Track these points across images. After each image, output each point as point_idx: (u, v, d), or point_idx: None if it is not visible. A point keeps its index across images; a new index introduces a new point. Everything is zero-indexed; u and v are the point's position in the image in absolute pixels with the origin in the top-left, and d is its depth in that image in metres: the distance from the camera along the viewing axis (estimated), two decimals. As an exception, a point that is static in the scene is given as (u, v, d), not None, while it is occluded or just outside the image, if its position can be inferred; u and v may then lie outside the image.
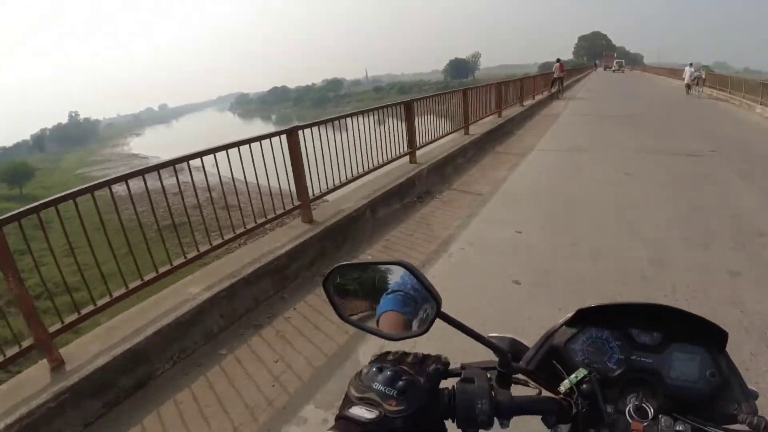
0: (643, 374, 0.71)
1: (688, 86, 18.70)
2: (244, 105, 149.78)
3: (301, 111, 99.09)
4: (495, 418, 0.62)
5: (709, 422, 0.65)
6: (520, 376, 0.71)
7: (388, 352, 0.64)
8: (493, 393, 0.62)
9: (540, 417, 0.69)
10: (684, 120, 10.98)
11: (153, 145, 57.21)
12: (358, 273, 0.70)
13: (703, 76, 18.83)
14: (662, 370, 0.71)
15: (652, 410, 0.65)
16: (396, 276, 0.65)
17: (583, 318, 0.76)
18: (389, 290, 0.67)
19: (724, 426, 0.65)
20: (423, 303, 0.64)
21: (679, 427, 0.64)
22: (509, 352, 0.75)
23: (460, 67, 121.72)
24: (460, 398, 0.60)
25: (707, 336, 0.71)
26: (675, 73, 31.96)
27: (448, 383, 0.64)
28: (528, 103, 13.63)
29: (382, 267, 0.67)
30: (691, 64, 19.38)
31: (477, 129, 8.25)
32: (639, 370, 0.72)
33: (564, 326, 0.77)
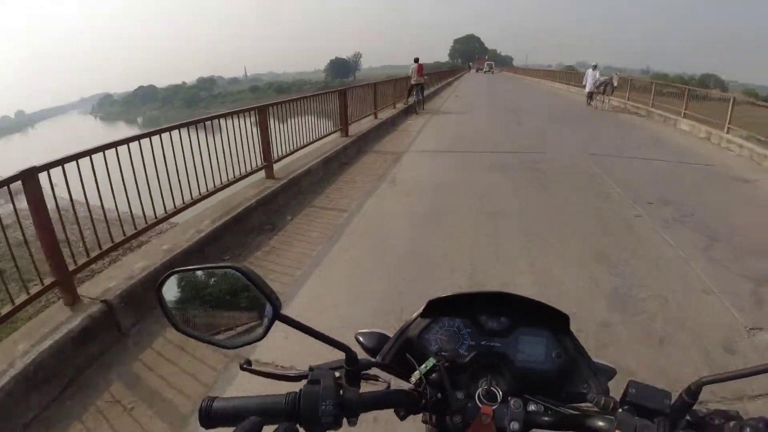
0: (493, 359, 0.75)
1: (590, 95, 15.17)
2: (107, 107, 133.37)
3: (170, 112, 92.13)
4: (345, 418, 0.63)
5: (559, 402, 0.70)
6: (372, 372, 0.71)
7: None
8: (341, 392, 0.63)
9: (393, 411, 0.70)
10: (603, 161, 6.99)
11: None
12: (192, 279, 0.67)
13: (615, 83, 14.73)
14: (510, 354, 0.76)
15: (500, 393, 0.69)
16: (233, 280, 0.63)
17: (436, 309, 0.79)
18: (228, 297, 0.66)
19: (572, 405, 0.70)
20: (263, 307, 0.62)
21: (531, 407, 0.68)
22: (374, 348, 0.79)
23: (341, 67, 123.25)
24: (303, 401, 0.60)
25: (551, 319, 0.77)
26: (550, 74, 34.20)
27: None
28: (385, 115, 10.65)
29: (218, 272, 0.65)
30: (594, 66, 15.21)
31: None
32: (489, 354, 0.75)
33: (419, 318, 0.80)
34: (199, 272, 0.66)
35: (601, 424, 0.61)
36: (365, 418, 0.66)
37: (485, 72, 69.82)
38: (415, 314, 0.81)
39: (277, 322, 0.61)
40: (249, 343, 0.62)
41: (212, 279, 0.66)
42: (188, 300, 0.66)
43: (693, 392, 0.59)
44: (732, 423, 0.55)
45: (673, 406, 0.59)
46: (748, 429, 0.53)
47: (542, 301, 0.76)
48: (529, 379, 0.74)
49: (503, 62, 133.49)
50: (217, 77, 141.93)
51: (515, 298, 0.77)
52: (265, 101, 5.43)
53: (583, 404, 0.70)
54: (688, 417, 0.60)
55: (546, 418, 0.67)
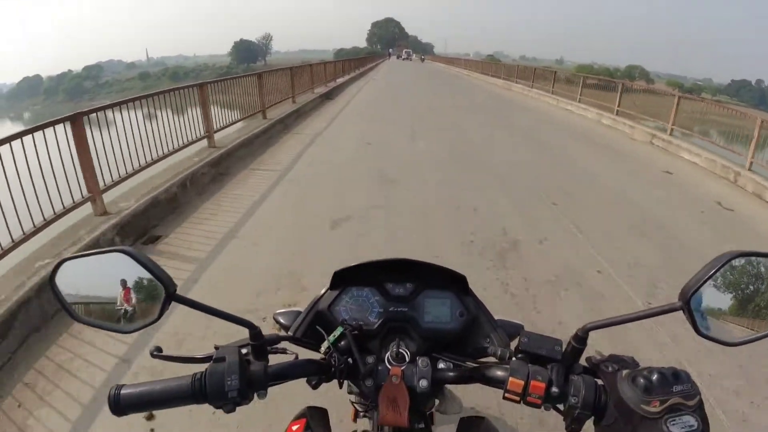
0: (401, 323, 0.84)
1: None
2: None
3: (52, 106, 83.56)
4: (254, 392, 0.67)
5: (465, 357, 0.80)
6: (281, 346, 0.76)
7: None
8: (247, 367, 0.67)
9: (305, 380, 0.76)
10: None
11: None
12: (85, 266, 0.68)
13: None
14: (417, 316, 0.85)
15: (408, 354, 0.78)
16: (126, 264, 0.64)
17: (344, 280, 0.87)
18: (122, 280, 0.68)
19: (477, 359, 0.81)
20: (157, 289, 0.65)
21: (440, 365, 0.78)
22: (291, 325, 0.85)
23: (247, 50, 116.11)
24: (209, 379, 0.64)
25: (453, 281, 0.87)
26: (471, 64, 32.58)
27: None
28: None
29: (107, 256, 0.66)
30: None
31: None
32: (397, 319, 0.84)
33: (328, 291, 0.87)
34: (90, 258, 0.67)
35: (499, 373, 0.70)
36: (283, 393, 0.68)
37: (403, 59, 69.38)
38: (324, 289, 0.88)
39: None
40: (145, 327, 0.65)
41: (104, 264, 0.67)
42: (83, 287, 0.67)
43: (580, 338, 0.66)
44: (625, 372, 0.61)
45: (564, 352, 0.68)
46: (641, 379, 0.58)
47: (443, 266, 0.86)
48: (436, 338, 0.84)
49: (424, 49, 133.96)
50: (116, 61, 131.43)
51: (418, 264, 0.86)
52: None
53: (485, 358, 0.80)
54: (584, 363, 0.68)
55: (451, 374, 0.76)
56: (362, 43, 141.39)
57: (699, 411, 0.56)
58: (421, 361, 0.75)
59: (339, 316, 0.85)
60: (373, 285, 0.87)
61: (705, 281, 0.58)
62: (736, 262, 0.60)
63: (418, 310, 0.86)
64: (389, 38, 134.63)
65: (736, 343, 0.63)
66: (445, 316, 0.86)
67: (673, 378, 0.57)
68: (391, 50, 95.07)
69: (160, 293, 0.63)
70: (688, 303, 0.59)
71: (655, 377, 0.57)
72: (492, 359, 0.76)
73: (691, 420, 0.55)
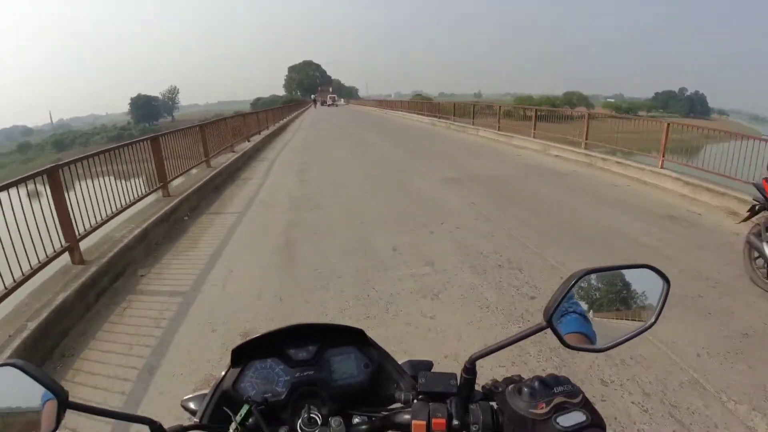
0: (310, 386, 0.90)
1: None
2: None
3: None
4: None
5: (378, 407, 0.88)
6: None
7: None
8: None
9: None
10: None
11: None
12: None
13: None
14: (324, 376, 0.92)
15: (320, 417, 0.85)
16: (14, 377, 0.67)
17: (244, 355, 0.92)
18: None
19: (388, 407, 0.88)
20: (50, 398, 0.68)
21: (355, 420, 0.86)
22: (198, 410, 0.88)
23: (148, 106, 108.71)
24: None
25: (352, 335, 0.95)
26: (394, 105, 33.51)
27: None
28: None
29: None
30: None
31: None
32: (305, 383, 0.90)
33: (231, 369, 0.92)
34: None
35: (405, 417, 0.79)
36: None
37: (329, 105, 68.12)
38: (225, 368, 0.93)
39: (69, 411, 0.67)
40: None
41: None
42: None
43: (468, 368, 0.77)
44: (511, 386, 0.72)
45: (459, 386, 0.78)
46: (525, 389, 0.69)
47: (338, 324, 0.95)
48: (347, 395, 0.90)
49: (348, 93, 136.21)
50: (21, 126, 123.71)
51: (314, 326, 0.94)
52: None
53: (393, 405, 0.88)
54: (481, 390, 0.79)
55: (364, 427, 0.84)
56: (279, 91, 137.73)
57: (586, 406, 0.67)
58: (334, 421, 0.81)
59: (245, 392, 0.88)
60: (275, 354, 0.92)
61: (562, 300, 0.72)
62: (585, 280, 0.75)
63: (324, 370, 0.91)
64: (309, 83, 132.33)
65: (604, 349, 0.76)
66: (351, 371, 0.92)
67: (554, 381, 0.70)
68: (313, 96, 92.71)
69: (54, 403, 0.66)
70: (550, 321, 0.72)
71: (536, 384, 0.69)
72: (399, 404, 0.85)
73: (579, 415, 0.65)
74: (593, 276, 0.76)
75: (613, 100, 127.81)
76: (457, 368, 0.80)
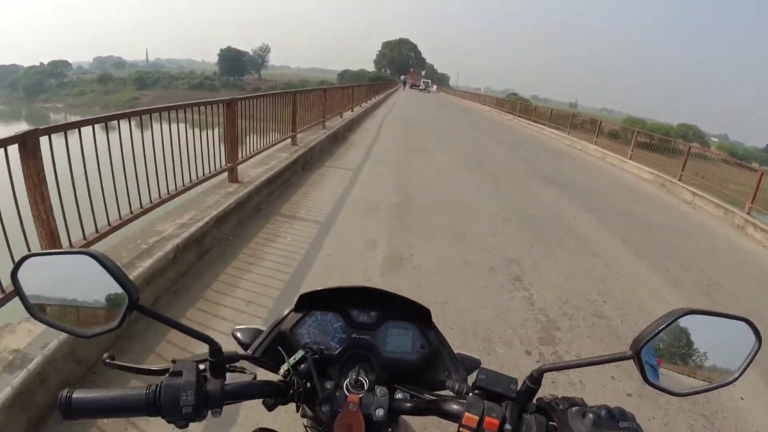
0: (362, 350, 0.95)
1: None
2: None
3: (13, 102, 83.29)
4: (209, 409, 0.74)
5: (423, 389, 0.90)
6: (240, 364, 0.84)
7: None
8: (203, 383, 0.74)
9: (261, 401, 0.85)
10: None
11: None
12: (49, 265, 0.74)
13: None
14: (379, 345, 0.95)
15: (368, 382, 0.88)
16: (90, 267, 0.70)
17: (309, 303, 0.97)
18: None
19: (435, 392, 0.90)
20: (121, 295, 0.71)
21: (398, 395, 0.88)
22: (249, 343, 0.95)
23: (236, 60, 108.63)
24: (163, 393, 0.71)
25: (416, 313, 0.98)
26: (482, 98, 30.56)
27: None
28: None
29: (72, 257, 0.73)
30: None
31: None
32: (359, 346, 0.95)
33: (292, 312, 0.98)
34: (55, 257, 0.74)
35: (455, 407, 0.80)
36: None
37: (420, 89, 65.65)
38: (287, 309, 0.98)
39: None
40: (105, 332, 0.71)
41: (69, 265, 0.72)
42: (45, 286, 0.73)
43: (535, 378, 0.76)
44: (575, 408, 0.72)
45: (519, 391, 0.78)
46: (590, 415, 0.69)
47: (408, 297, 0.97)
48: (396, 368, 0.94)
49: (440, 80, 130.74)
50: (116, 57, 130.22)
51: (384, 293, 0.97)
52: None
53: (443, 391, 0.90)
54: (535, 402, 0.78)
55: (408, 405, 0.86)
56: (368, 66, 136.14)
57: None
58: (379, 390, 0.84)
59: (301, 338, 0.93)
60: (338, 310, 0.97)
61: (656, 334, 0.69)
62: (685, 320, 0.71)
63: (380, 339, 0.95)
64: (401, 62, 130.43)
65: (682, 394, 0.74)
66: (406, 347, 0.95)
67: (620, 415, 0.70)
68: (403, 77, 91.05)
69: (123, 300, 0.69)
70: (638, 353, 0.70)
71: (603, 413, 0.69)
72: (449, 393, 0.86)
73: None
74: (689, 317, 0.72)
75: (717, 140, 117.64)
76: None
